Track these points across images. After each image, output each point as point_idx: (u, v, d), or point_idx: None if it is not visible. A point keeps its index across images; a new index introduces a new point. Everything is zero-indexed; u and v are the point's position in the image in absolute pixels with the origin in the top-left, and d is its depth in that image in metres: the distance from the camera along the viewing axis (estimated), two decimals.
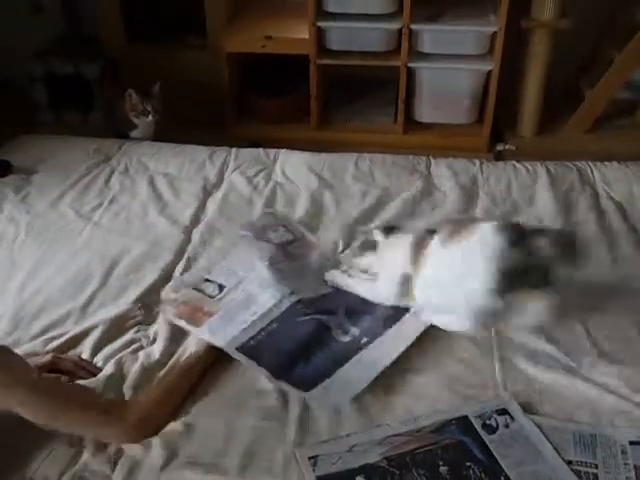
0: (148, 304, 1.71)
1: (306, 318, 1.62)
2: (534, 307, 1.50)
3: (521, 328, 1.57)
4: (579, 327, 1.61)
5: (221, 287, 1.71)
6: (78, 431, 1.34)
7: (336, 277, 1.76)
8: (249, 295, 1.68)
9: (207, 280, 1.74)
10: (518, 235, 1.51)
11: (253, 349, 1.53)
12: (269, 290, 1.67)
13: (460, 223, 1.63)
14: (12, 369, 1.29)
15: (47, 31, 3.09)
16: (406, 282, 1.60)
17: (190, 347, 1.54)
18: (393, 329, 1.61)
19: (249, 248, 1.83)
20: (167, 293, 1.71)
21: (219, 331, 1.56)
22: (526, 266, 1.48)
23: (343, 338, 1.60)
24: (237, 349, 1.51)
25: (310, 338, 1.58)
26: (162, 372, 1.48)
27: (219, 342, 1.52)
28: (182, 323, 1.60)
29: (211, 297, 1.69)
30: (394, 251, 1.64)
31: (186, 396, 1.44)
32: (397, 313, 1.65)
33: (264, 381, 1.47)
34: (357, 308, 1.68)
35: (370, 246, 1.73)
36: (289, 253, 1.84)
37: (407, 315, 1.64)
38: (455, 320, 1.57)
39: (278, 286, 1.68)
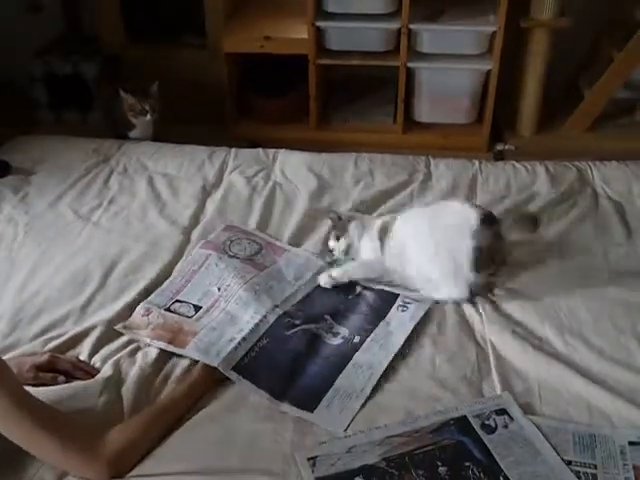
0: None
1: (295, 330, 1.62)
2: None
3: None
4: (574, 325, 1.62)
5: (196, 307, 1.68)
6: (50, 462, 1.28)
7: (332, 276, 1.76)
8: (230, 314, 1.64)
9: (177, 301, 1.70)
10: (490, 217, 1.69)
11: (248, 367, 1.50)
12: (251, 307, 1.65)
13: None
14: None
15: (47, 31, 3.10)
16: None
17: (180, 367, 1.50)
18: (381, 327, 1.63)
19: (217, 268, 1.79)
20: (137, 317, 1.66)
21: (209, 349, 1.53)
22: (497, 246, 1.68)
23: (334, 341, 1.60)
24: (233, 369, 1.49)
25: (303, 350, 1.57)
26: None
27: (212, 362, 1.49)
28: (162, 345, 1.55)
29: (188, 317, 1.65)
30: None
31: (171, 426, 1.37)
32: (382, 307, 1.68)
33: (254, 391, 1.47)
34: (341, 308, 1.69)
35: (340, 228, 1.80)
36: (258, 264, 1.81)
37: (392, 310, 1.67)
38: (443, 290, 1.69)
39: (259, 302, 1.67)
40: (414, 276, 1.72)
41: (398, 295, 1.72)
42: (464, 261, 1.64)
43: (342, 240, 1.79)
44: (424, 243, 1.70)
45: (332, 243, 1.82)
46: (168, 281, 1.78)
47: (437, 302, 1.70)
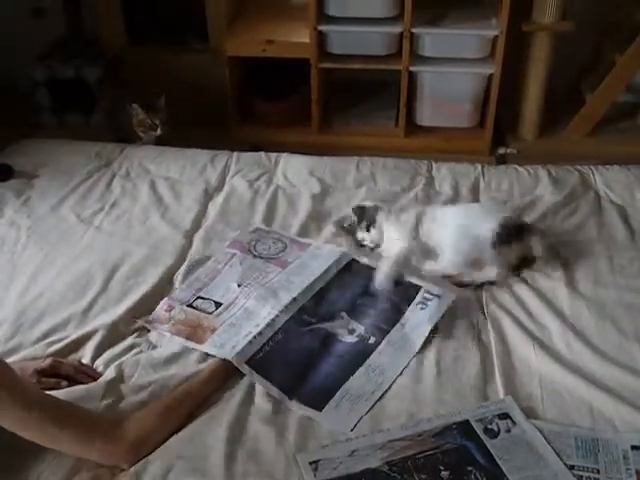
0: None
1: (311, 328, 1.63)
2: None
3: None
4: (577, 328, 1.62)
5: (217, 304, 1.71)
6: (73, 453, 1.30)
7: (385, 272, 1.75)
8: (249, 310, 1.67)
9: (200, 297, 1.73)
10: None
11: (262, 362, 1.52)
12: (269, 303, 1.67)
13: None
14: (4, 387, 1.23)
15: (48, 33, 3.10)
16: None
17: (183, 370, 1.51)
18: (397, 329, 1.62)
19: (241, 267, 1.82)
20: (160, 312, 1.68)
21: (225, 344, 1.55)
22: (517, 228, 1.78)
23: (349, 339, 1.61)
24: (246, 363, 1.50)
25: (316, 348, 1.58)
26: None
27: (227, 355, 1.51)
28: (181, 340, 1.58)
29: (209, 313, 1.68)
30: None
31: (187, 417, 1.40)
32: (401, 302, 1.69)
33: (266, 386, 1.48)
34: (357, 304, 1.70)
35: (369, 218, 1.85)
36: (282, 261, 1.84)
37: (411, 306, 1.67)
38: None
39: (277, 298, 1.68)
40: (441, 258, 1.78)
41: (420, 288, 1.73)
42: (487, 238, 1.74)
43: (373, 230, 1.83)
44: (454, 221, 1.80)
45: (361, 234, 1.86)
46: (193, 277, 1.80)
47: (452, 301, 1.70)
